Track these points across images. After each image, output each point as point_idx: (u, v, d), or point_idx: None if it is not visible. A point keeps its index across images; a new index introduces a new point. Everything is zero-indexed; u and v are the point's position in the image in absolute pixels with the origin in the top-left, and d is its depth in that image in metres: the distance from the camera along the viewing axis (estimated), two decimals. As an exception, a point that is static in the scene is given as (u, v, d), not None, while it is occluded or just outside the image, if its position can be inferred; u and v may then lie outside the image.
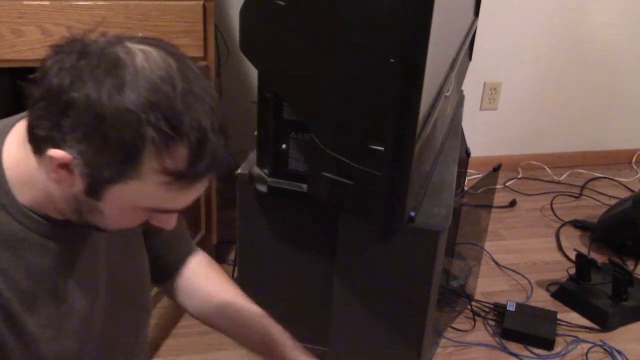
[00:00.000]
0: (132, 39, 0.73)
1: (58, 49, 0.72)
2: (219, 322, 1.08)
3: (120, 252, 0.94)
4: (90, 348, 0.90)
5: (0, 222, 0.77)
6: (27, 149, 0.74)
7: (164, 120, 0.68)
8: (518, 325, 1.99)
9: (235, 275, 1.87)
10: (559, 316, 2.04)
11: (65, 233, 0.82)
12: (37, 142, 0.72)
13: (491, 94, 2.84)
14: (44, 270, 0.81)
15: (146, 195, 0.73)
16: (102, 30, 0.75)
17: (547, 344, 1.95)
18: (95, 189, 0.73)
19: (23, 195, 0.78)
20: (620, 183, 2.93)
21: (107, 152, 0.69)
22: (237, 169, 1.65)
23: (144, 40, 0.74)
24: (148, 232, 1.01)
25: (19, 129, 0.78)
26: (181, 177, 0.72)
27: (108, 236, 0.90)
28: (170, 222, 0.82)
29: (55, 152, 0.70)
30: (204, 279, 1.11)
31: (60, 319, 0.84)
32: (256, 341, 1.05)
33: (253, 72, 1.83)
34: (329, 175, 1.39)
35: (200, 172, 0.73)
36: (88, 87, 0.68)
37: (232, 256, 2.23)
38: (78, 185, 0.73)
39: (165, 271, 1.09)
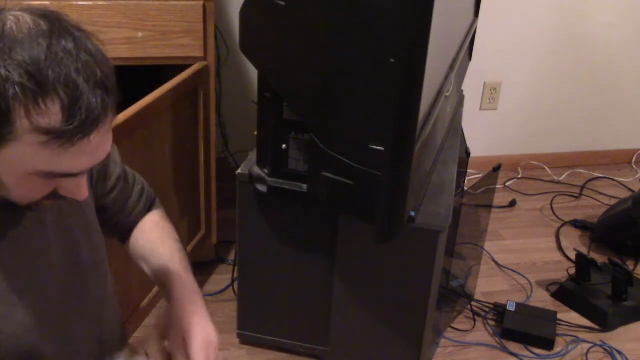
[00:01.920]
0: (15, 8, 0.73)
1: None
2: (147, 267, 1.11)
3: (71, 229, 0.96)
4: (49, 320, 0.91)
5: None
6: None
7: (27, 76, 0.68)
8: (518, 325, 1.99)
9: (235, 275, 1.86)
10: (559, 316, 2.04)
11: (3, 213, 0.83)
12: None
13: (491, 94, 2.84)
14: None
15: (29, 158, 0.72)
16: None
17: (547, 344, 1.95)
18: None
19: None
20: (620, 183, 2.93)
21: None
22: (237, 169, 1.65)
23: (25, 8, 0.74)
24: (103, 206, 1.05)
25: None
26: (58, 136, 0.71)
27: (55, 217, 0.91)
28: (78, 191, 0.81)
29: None
30: (145, 229, 1.14)
31: (10, 295, 0.85)
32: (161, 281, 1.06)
33: (253, 72, 1.83)
34: (329, 175, 1.39)
35: (76, 129, 0.71)
36: None
37: (232, 256, 2.23)
38: None
39: (124, 231, 1.13)
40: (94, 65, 0.73)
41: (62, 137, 0.71)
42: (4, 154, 0.72)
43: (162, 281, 1.05)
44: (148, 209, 1.17)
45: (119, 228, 1.12)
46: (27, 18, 0.72)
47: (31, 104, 0.69)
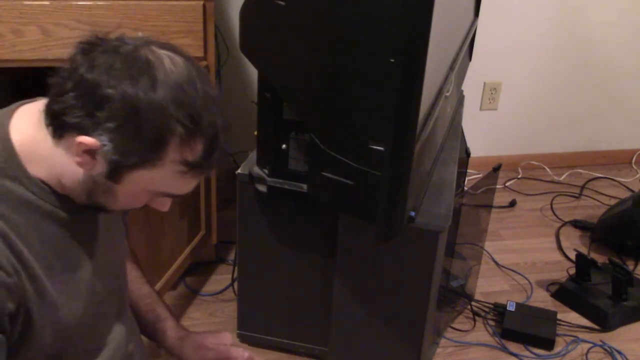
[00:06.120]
0: (155, 43, 0.84)
1: (88, 47, 0.81)
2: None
3: (111, 234, 1.03)
4: (92, 317, 0.97)
5: (15, 191, 0.84)
6: (44, 130, 0.83)
7: (189, 117, 0.80)
8: (518, 325, 1.99)
9: (235, 275, 1.87)
10: (559, 316, 2.04)
11: (74, 206, 0.89)
12: (63, 127, 0.81)
13: (491, 94, 2.84)
14: (54, 238, 0.89)
15: (163, 181, 0.84)
16: (121, 30, 0.86)
17: (547, 344, 1.95)
18: (117, 173, 0.82)
19: (34, 170, 0.85)
20: (620, 183, 2.93)
21: (138, 141, 0.79)
22: (237, 169, 1.65)
23: (164, 46, 0.85)
24: None
25: (30, 112, 0.86)
26: (195, 168, 0.83)
27: (105, 219, 0.98)
28: (166, 205, 0.93)
29: (84, 139, 0.79)
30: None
31: (71, 286, 0.91)
32: (148, 324, 1.18)
33: (253, 72, 1.83)
34: (329, 175, 1.39)
35: (211, 164, 0.85)
36: (125, 84, 0.78)
37: (232, 256, 2.23)
38: (98, 168, 0.82)
39: None
40: (224, 111, 0.86)
41: (197, 170, 0.84)
42: (141, 174, 0.83)
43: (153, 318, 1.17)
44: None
45: None
46: (178, 59, 0.83)
47: (186, 140, 0.81)
